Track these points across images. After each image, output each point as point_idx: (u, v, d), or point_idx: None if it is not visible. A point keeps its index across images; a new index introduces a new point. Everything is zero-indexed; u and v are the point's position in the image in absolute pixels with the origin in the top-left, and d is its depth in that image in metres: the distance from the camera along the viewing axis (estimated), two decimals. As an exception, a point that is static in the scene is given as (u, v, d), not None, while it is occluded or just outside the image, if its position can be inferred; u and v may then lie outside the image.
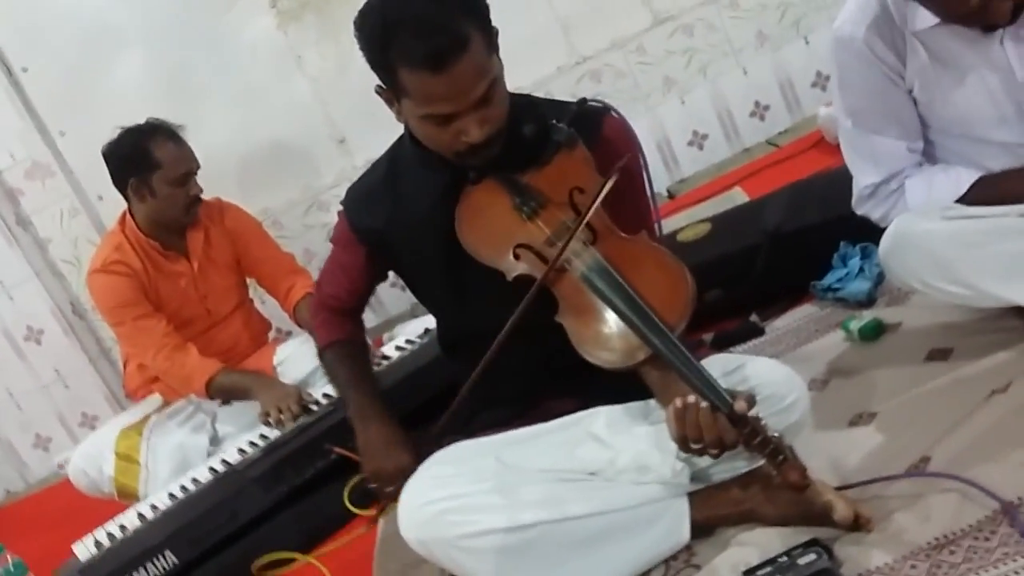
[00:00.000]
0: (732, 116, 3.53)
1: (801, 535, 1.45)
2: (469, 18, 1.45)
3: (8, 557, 1.31)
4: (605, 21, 3.42)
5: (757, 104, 3.52)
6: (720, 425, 1.35)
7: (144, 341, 2.64)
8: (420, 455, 1.62)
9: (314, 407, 2.47)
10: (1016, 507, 1.34)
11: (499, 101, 1.50)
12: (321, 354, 1.86)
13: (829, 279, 2.13)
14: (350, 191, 1.74)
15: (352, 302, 1.83)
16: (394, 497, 1.63)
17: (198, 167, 2.66)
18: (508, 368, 1.57)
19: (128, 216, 2.67)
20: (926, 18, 1.56)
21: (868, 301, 2.04)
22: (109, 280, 2.61)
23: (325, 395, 2.51)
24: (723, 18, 3.45)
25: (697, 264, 2.13)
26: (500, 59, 1.53)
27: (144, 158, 2.57)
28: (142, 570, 2.11)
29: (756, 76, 3.49)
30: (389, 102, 1.54)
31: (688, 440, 1.37)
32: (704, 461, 1.52)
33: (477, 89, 1.46)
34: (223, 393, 2.64)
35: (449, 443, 1.63)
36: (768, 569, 1.37)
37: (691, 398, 1.36)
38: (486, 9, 1.50)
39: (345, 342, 1.84)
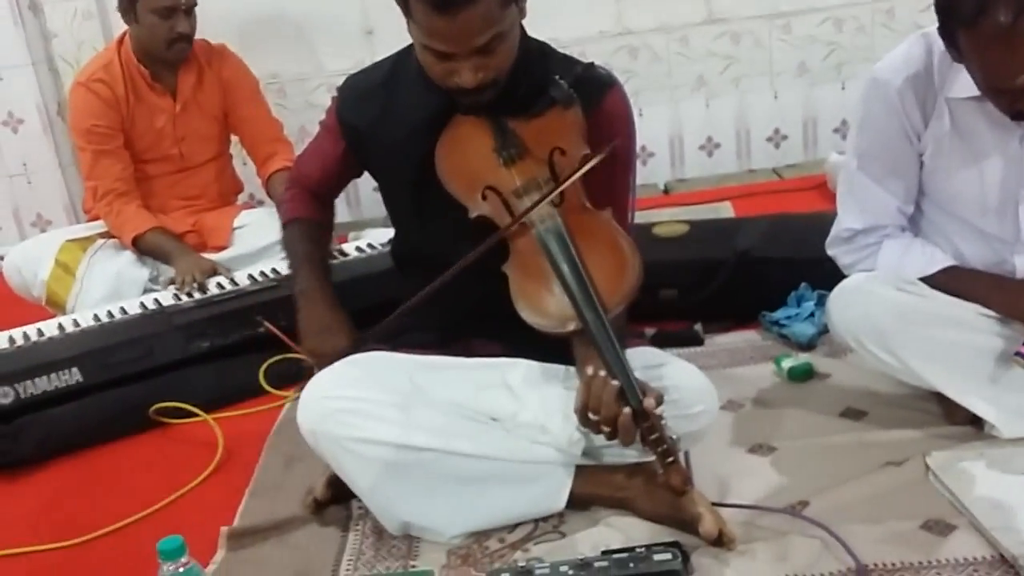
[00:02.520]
0: (749, 135, 3.54)
1: (668, 535, 1.50)
2: None
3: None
4: (660, 2, 3.40)
5: (776, 131, 3.53)
6: (620, 411, 1.38)
7: (96, 175, 2.65)
8: (357, 345, 1.64)
9: (217, 288, 2.45)
10: (869, 572, 1.39)
11: (500, 53, 1.50)
12: (284, 226, 1.85)
13: (779, 314, 2.17)
14: (347, 82, 1.73)
15: (324, 187, 1.83)
16: None
17: (188, 5, 2.58)
18: (446, 298, 1.60)
19: (127, 38, 2.64)
20: (963, 89, 1.57)
21: (808, 345, 2.08)
22: (88, 99, 2.60)
23: (273, 269, 2.52)
24: (772, 38, 3.44)
25: (662, 261, 2.21)
26: (522, 8, 1.52)
27: None
28: (46, 378, 2.12)
29: (785, 104, 3.50)
30: (403, 13, 1.53)
31: (587, 411, 1.41)
32: (599, 440, 1.55)
33: (478, 39, 1.45)
34: (147, 251, 2.65)
35: (371, 351, 1.65)
36: (624, 555, 1.41)
37: (604, 372, 1.40)
38: None
39: (310, 221, 1.82)
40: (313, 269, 1.76)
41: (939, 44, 1.55)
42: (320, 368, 1.65)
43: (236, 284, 2.47)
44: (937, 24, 1.50)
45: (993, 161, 1.62)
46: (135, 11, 2.55)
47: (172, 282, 2.50)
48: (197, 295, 2.42)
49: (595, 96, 1.58)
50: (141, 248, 2.64)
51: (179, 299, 2.42)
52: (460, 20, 1.42)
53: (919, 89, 1.63)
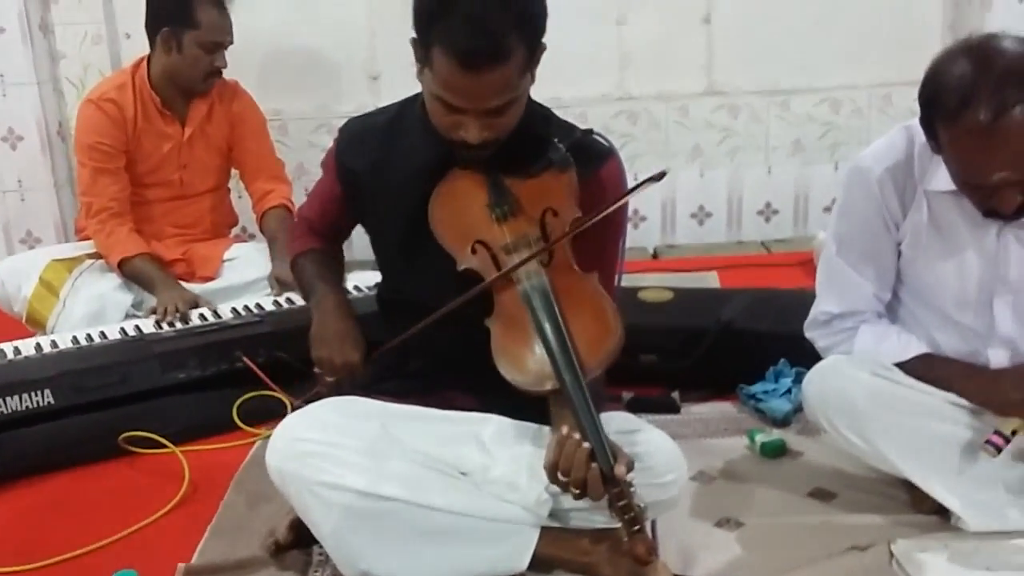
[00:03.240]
0: (741, 206, 3.58)
1: (627, 604, 1.49)
2: (521, 33, 1.46)
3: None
4: (663, 71, 3.47)
5: (768, 205, 3.58)
6: (591, 472, 1.38)
7: (93, 192, 2.66)
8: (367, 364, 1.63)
9: (198, 319, 2.45)
10: (826, 657, 1.38)
11: (510, 116, 1.53)
12: (294, 262, 1.85)
13: (757, 388, 2.17)
14: (349, 124, 1.75)
15: (325, 228, 1.83)
16: (331, 390, 1.64)
17: (231, 42, 2.67)
18: (426, 348, 1.60)
19: (144, 63, 2.68)
20: (942, 182, 1.60)
21: (783, 421, 2.09)
22: (96, 116, 2.62)
23: (257, 304, 2.53)
24: (770, 114, 3.50)
25: (645, 326, 2.22)
26: (534, 76, 1.55)
27: (186, 12, 2.58)
28: (16, 398, 2.10)
29: (778, 179, 3.55)
30: (417, 58, 1.56)
31: (557, 471, 1.41)
32: (567, 501, 1.55)
33: (494, 101, 1.48)
34: (132, 276, 2.65)
35: (346, 394, 1.65)
36: (582, 622, 1.40)
37: (577, 434, 1.40)
38: (542, 28, 1.52)
39: (322, 250, 1.83)
40: (328, 284, 1.76)
41: (921, 136, 1.59)
42: (325, 381, 1.64)
43: (219, 317, 2.47)
44: (919, 115, 1.53)
45: (969, 256, 1.64)
46: (180, 43, 2.59)
47: (153, 311, 2.50)
48: (179, 324, 2.41)
49: (592, 163, 1.61)
50: (126, 272, 2.64)
51: (160, 327, 2.41)
52: (482, 81, 1.45)
53: (899, 179, 1.65)
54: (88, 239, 2.75)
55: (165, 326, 2.41)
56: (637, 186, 1.49)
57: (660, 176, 1.45)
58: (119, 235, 2.64)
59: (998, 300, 1.64)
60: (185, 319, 2.44)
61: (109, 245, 2.65)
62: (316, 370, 1.67)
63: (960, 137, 1.46)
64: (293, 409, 1.77)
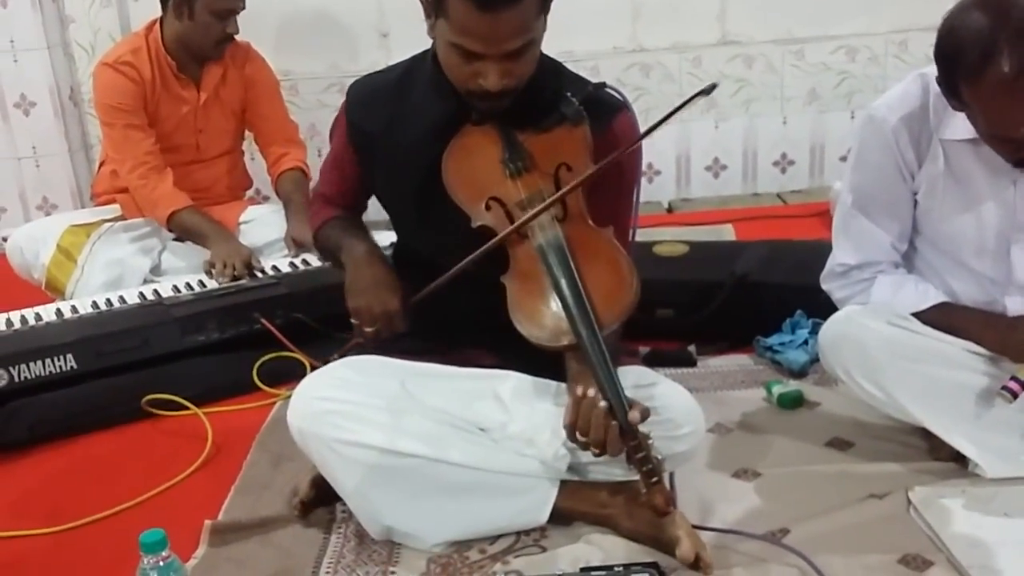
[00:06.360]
0: (756, 158, 3.55)
1: (647, 555, 1.50)
2: None
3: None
4: (675, 22, 3.42)
5: (784, 156, 3.55)
6: (609, 430, 1.39)
7: (127, 150, 2.64)
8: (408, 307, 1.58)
9: (259, 274, 2.49)
10: (844, 603, 1.40)
11: (527, 60, 1.52)
12: (317, 233, 1.78)
13: (773, 339, 2.17)
14: (357, 84, 1.73)
15: (345, 201, 1.79)
16: (373, 338, 1.59)
17: (243, 7, 2.64)
18: (443, 306, 1.61)
19: (157, 27, 2.66)
20: (958, 131, 1.58)
21: (799, 372, 2.09)
22: (115, 78, 2.61)
23: (274, 267, 2.54)
24: (785, 63, 3.46)
25: (661, 280, 2.22)
26: (546, 21, 1.53)
27: None
28: (40, 363, 2.13)
29: (793, 129, 3.51)
30: (427, 13, 1.54)
31: (576, 430, 1.42)
32: (586, 456, 1.56)
33: (513, 43, 1.47)
34: (182, 230, 2.66)
35: (362, 354, 1.66)
36: (602, 573, 1.42)
37: (593, 391, 1.41)
38: None
39: (342, 216, 1.78)
40: (358, 236, 1.71)
41: (936, 84, 1.56)
42: (364, 332, 1.57)
43: (277, 269, 2.52)
44: (938, 74, 1.51)
45: (987, 204, 1.63)
46: (192, 9, 2.56)
47: (212, 266, 2.50)
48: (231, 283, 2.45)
49: (604, 117, 1.60)
50: (174, 226, 2.63)
51: (178, 291, 2.43)
52: (500, 21, 1.44)
53: (914, 128, 1.64)
54: (105, 204, 2.76)
55: (182, 290, 2.42)
56: (686, 102, 1.47)
57: (710, 89, 1.43)
58: (163, 189, 2.62)
59: (1016, 248, 1.63)
60: (238, 276, 2.46)
61: (154, 200, 2.63)
62: (354, 321, 1.59)
63: (985, 92, 1.43)
64: (328, 363, 1.67)
